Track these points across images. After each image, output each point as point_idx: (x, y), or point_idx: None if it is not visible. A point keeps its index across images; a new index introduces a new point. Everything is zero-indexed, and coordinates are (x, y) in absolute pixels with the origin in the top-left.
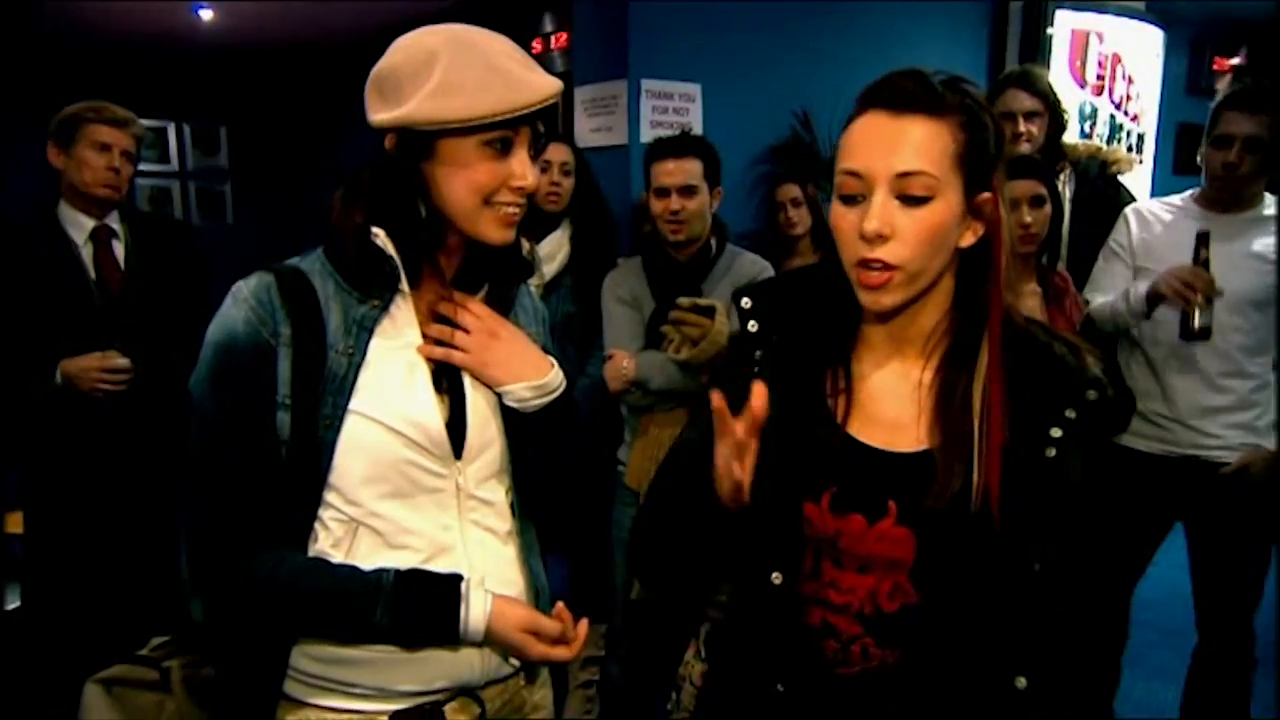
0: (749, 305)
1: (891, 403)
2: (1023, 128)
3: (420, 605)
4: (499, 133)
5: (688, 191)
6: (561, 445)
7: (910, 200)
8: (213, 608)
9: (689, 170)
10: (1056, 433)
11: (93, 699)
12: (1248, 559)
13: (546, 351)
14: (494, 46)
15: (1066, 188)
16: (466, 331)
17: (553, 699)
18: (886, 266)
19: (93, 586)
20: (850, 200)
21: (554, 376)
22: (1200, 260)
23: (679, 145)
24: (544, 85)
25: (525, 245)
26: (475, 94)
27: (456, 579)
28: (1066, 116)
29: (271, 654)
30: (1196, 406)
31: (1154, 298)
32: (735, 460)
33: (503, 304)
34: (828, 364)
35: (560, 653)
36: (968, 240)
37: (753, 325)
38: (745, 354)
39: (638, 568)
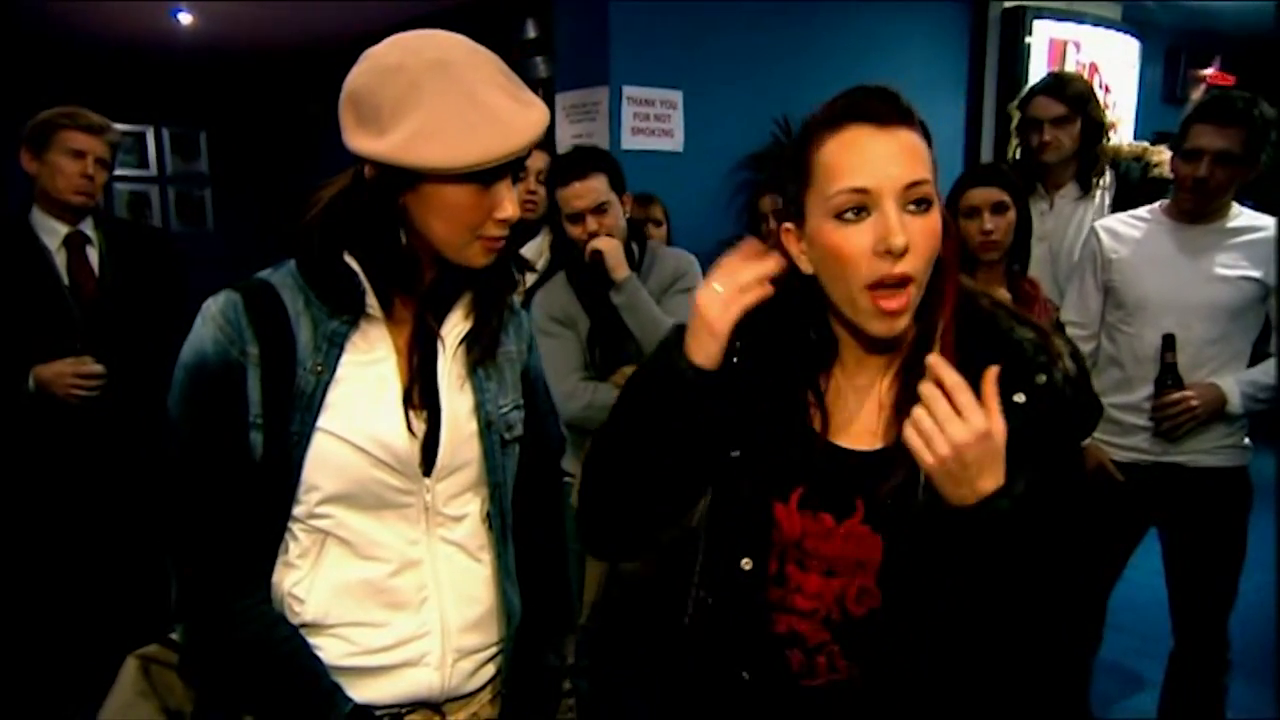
0: None
1: (860, 403)
2: (1048, 135)
3: None
4: (485, 171)
5: (600, 210)
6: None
7: (919, 209)
8: (192, 642)
9: (596, 189)
10: None
11: (130, 672)
12: (1222, 564)
13: (529, 369)
14: (477, 74)
15: (1106, 193)
16: None
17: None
18: (904, 282)
19: (63, 592)
20: (850, 219)
21: None
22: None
23: (580, 165)
24: (531, 123)
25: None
26: (461, 140)
27: None
28: (1107, 121)
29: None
30: None
31: None
32: (726, 306)
33: (489, 315)
34: (802, 382)
35: None
36: None
37: None
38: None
39: (585, 508)
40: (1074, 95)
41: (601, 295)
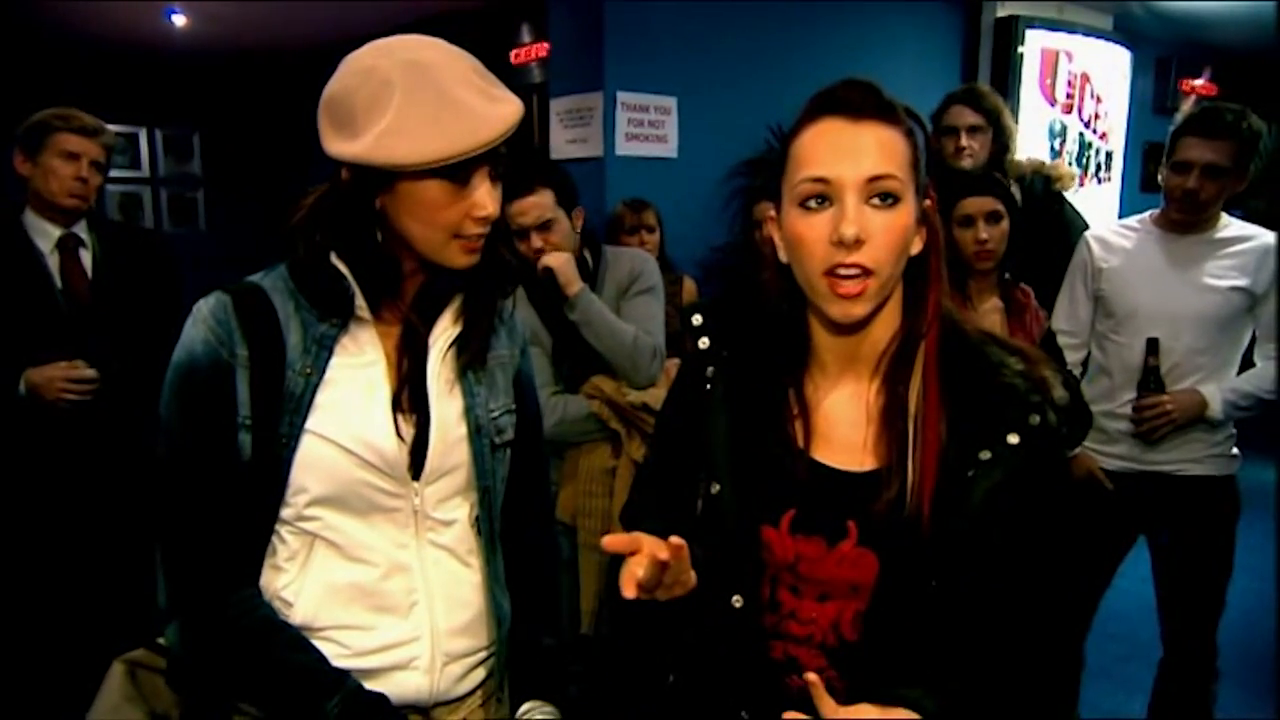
0: (699, 322)
1: (846, 422)
2: (964, 142)
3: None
4: (457, 167)
5: (546, 227)
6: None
7: (882, 203)
8: (186, 638)
9: (541, 204)
10: (985, 455)
11: (116, 677)
12: (1210, 572)
13: (520, 373)
14: (451, 72)
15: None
16: None
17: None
18: (864, 272)
19: (55, 596)
20: (813, 208)
21: None
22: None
23: (526, 179)
24: (501, 117)
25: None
26: (428, 135)
27: None
28: (1011, 136)
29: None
30: None
31: None
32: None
33: (479, 319)
34: (782, 385)
35: None
36: (916, 247)
37: (704, 342)
38: (698, 372)
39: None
40: (989, 108)
41: (560, 311)
